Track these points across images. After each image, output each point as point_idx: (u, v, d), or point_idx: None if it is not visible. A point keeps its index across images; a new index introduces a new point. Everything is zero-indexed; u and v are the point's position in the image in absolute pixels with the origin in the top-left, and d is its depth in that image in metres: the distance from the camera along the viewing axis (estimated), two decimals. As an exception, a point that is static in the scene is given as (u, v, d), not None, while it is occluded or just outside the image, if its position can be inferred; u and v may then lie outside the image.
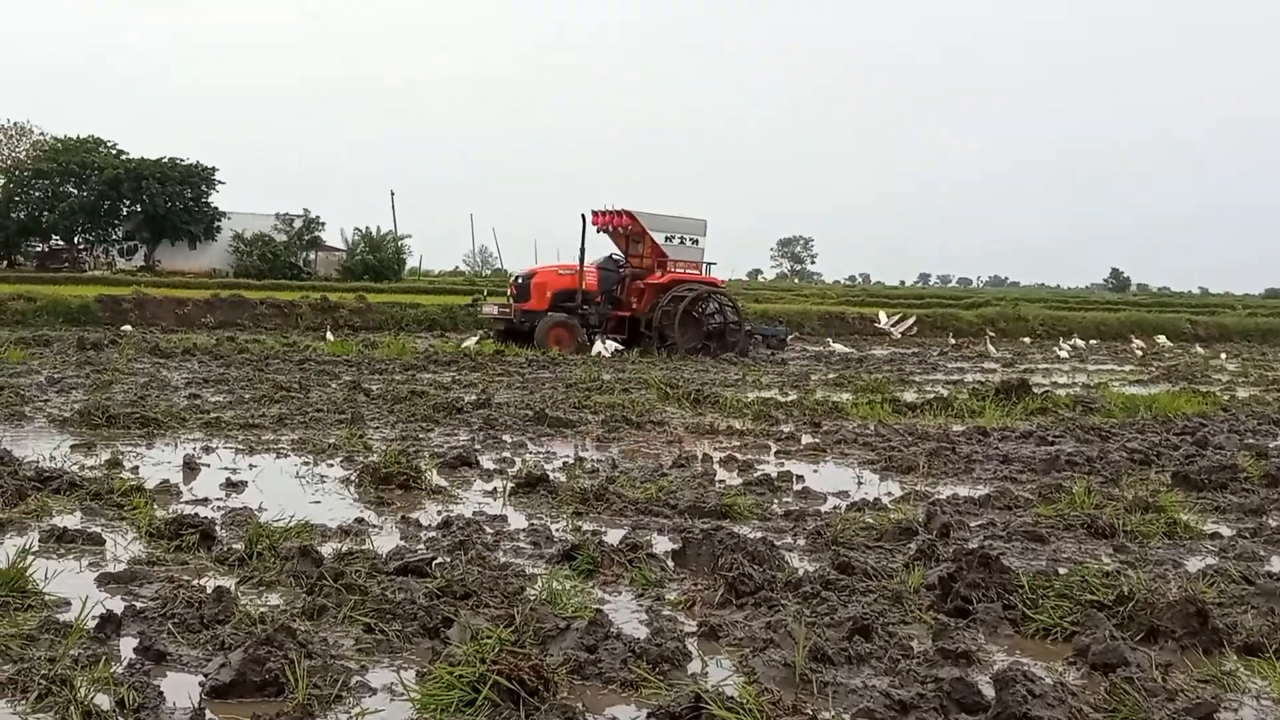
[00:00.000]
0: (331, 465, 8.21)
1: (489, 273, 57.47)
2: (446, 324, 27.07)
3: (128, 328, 22.30)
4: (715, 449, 9.60)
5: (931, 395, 13.85)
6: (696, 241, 22.43)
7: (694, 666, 4.21)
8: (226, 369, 14.83)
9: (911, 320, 29.21)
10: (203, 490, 7.13)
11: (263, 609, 4.57)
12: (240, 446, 8.82)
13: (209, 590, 4.64)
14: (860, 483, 8.31)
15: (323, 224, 52.06)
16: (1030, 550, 6.09)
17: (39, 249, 51.34)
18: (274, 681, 3.80)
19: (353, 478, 7.62)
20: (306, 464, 8.23)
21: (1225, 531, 6.81)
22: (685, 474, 8.13)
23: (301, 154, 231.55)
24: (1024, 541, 6.24)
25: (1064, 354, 25.93)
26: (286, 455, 8.60)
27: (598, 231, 22.47)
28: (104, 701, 3.61)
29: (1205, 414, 12.82)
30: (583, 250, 21.54)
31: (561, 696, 3.76)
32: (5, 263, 47.45)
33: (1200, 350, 29.85)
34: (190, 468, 7.85)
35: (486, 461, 8.51)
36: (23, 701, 3.63)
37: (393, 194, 55.95)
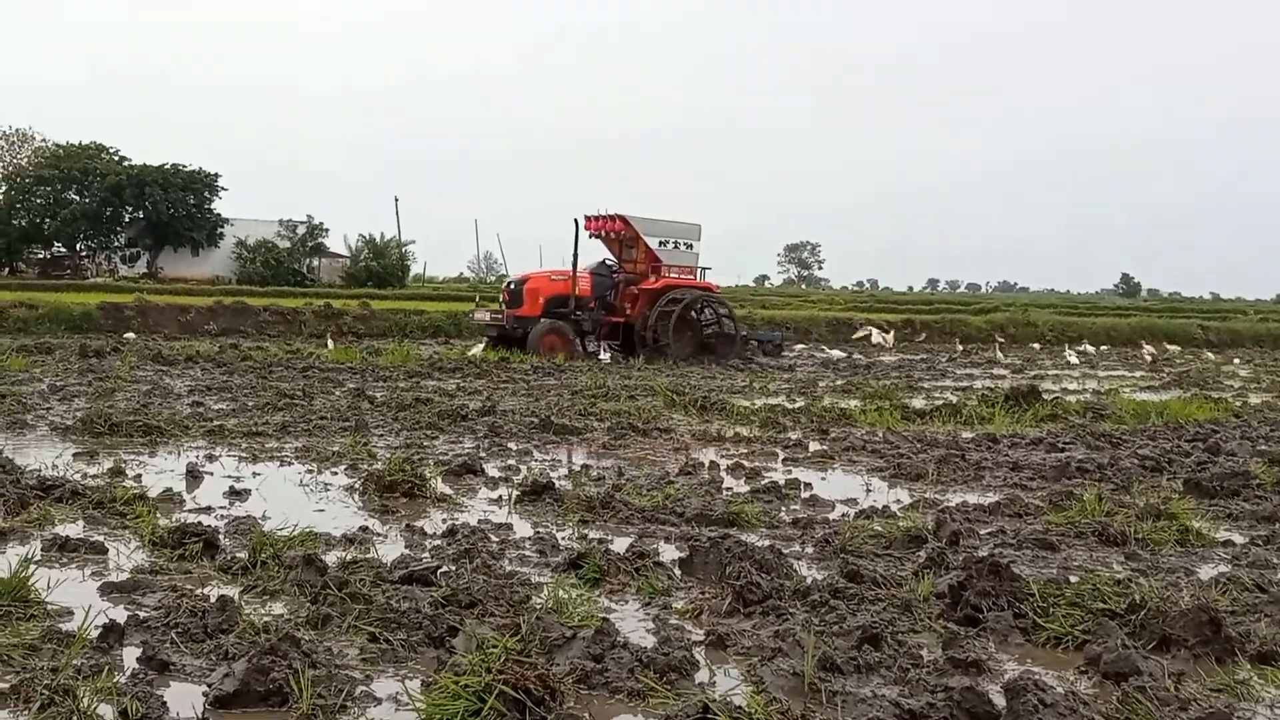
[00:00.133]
0: (335, 473, 8.18)
1: (494, 279, 57.56)
2: (451, 331, 27.11)
3: (130, 335, 22.35)
4: (722, 456, 9.56)
5: (940, 402, 13.83)
6: (690, 246, 22.32)
7: (702, 676, 4.18)
8: (230, 376, 14.82)
9: (890, 334, 29.98)
10: (206, 499, 7.11)
11: (267, 618, 4.54)
12: (244, 454, 8.81)
13: (212, 599, 4.60)
14: (869, 490, 8.26)
15: (326, 230, 52.29)
16: (1041, 558, 6.05)
17: (41, 256, 51.47)
18: (278, 691, 3.77)
19: (357, 486, 7.58)
20: (310, 472, 8.20)
21: (1238, 539, 6.76)
22: (692, 481, 8.09)
23: (302, 154, 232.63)
24: (1034, 549, 6.19)
25: (1073, 359, 25.85)
26: (290, 463, 8.57)
27: (590, 236, 22.30)
28: (107, 712, 3.58)
29: (1217, 420, 12.78)
30: (575, 255, 21.40)
31: (568, 706, 3.73)
32: (7, 270, 47.55)
33: (1212, 356, 29.79)
34: (193, 476, 7.83)
35: (492, 469, 8.47)
36: (25, 712, 3.60)
37: (397, 200, 56.26)
